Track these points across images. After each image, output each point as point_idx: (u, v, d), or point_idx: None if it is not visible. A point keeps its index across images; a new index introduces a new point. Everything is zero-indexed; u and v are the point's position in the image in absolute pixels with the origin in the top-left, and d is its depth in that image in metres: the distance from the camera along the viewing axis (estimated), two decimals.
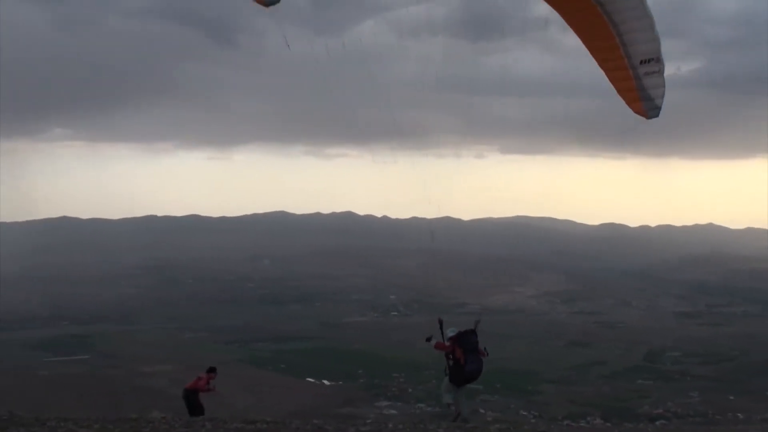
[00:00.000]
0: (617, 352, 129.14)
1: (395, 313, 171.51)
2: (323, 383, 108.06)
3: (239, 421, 17.44)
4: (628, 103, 15.94)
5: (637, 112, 15.90)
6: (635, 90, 15.57)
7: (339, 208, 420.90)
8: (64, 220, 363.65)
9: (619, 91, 15.97)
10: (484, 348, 17.73)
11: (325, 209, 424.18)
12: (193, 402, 21.78)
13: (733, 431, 33.49)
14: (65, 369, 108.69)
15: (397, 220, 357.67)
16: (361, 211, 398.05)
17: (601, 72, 16.35)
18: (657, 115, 15.79)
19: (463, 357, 17.26)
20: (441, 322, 17.95)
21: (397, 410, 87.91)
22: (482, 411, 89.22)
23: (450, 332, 17.76)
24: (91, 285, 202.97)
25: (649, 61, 15.37)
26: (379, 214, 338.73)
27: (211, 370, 22.22)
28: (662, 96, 15.68)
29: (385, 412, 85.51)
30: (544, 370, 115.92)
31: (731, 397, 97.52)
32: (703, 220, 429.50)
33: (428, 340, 17.86)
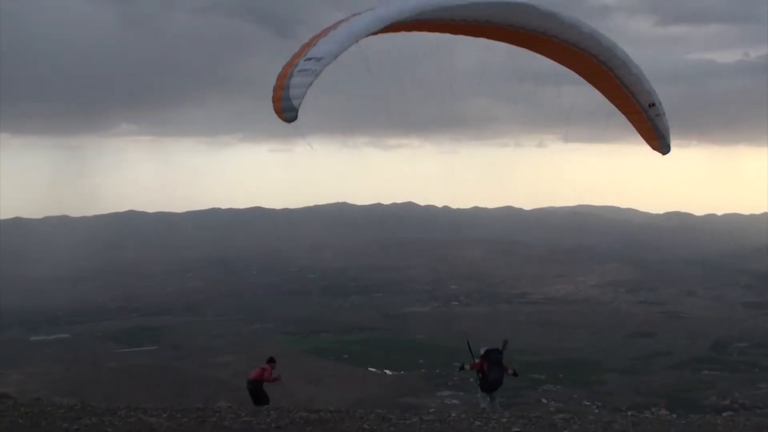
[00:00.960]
0: (682, 343, 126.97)
1: (456, 302, 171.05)
2: (385, 373, 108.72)
3: (303, 410, 17.77)
4: (648, 141, 19.14)
5: (654, 148, 19.23)
6: (652, 130, 18.77)
7: (400, 198, 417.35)
8: (131, 213, 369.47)
9: (640, 132, 19.02)
10: (513, 368, 20.09)
11: (386, 200, 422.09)
12: (257, 392, 22.10)
13: None
14: (134, 359, 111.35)
15: (458, 210, 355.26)
16: (422, 201, 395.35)
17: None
18: (668, 151, 19.12)
19: (488, 369, 19.86)
20: (469, 344, 20.31)
21: (458, 400, 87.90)
22: (545, 401, 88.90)
23: (482, 350, 20.06)
24: (157, 277, 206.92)
25: (653, 105, 18.31)
26: (439, 205, 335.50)
27: (271, 360, 22.48)
28: (669, 135, 18.85)
29: (447, 402, 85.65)
30: (607, 360, 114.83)
31: None
32: None
33: (461, 368, 20.48)
